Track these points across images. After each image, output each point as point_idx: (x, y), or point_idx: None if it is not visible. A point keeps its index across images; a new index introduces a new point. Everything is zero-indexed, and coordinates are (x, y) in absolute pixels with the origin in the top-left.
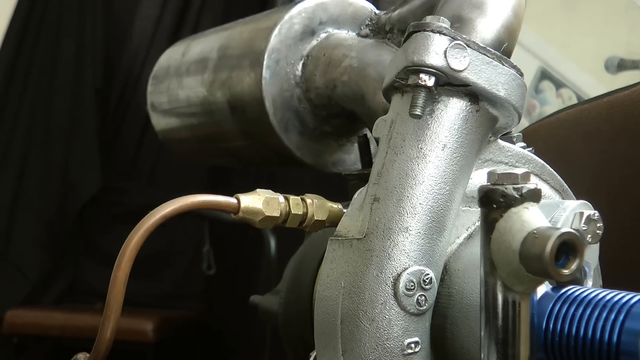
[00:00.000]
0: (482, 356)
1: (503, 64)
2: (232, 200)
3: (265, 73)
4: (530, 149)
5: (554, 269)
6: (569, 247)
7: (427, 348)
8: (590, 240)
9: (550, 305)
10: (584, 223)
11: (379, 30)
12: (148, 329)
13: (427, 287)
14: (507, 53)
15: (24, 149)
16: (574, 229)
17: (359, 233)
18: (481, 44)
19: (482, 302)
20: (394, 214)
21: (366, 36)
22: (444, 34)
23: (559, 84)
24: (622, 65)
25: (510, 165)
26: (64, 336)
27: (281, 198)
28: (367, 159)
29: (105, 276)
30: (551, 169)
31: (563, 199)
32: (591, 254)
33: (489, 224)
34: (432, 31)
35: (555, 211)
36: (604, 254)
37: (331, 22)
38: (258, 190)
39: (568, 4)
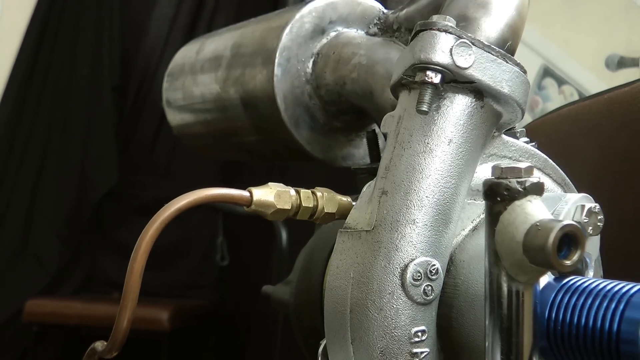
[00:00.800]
0: (486, 344)
1: (507, 62)
2: (244, 193)
3: (277, 70)
4: (533, 143)
5: (556, 260)
6: (570, 238)
7: (433, 336)
8: (591, 232)
9: (553, 295)
10: (585, 215)
11: (386, 29)
12: (163, 318)
13: (433, 277)
14: (511, 51)
15: (43, 144)
16: (575, 221)
17: (367, 225)
18: (486, 43)
19: (487, 292)
20: (402, 206)
21: (374, 35)
22: (449, 33)
23: (561, 81)
24: (622, 62)
25: (513, 160)
26: (82, 325)
27: (292, 191)
28: (375, 154)
29: (122, 267)
30: (553, 163)
31: (565, 192)
32: (592, 246)
33: (493, 217)
34: (439, 30)
35: (557, 204)
36: (604, 246)
37: (341, 21)
38: (270, 183)
39: (569, 3)
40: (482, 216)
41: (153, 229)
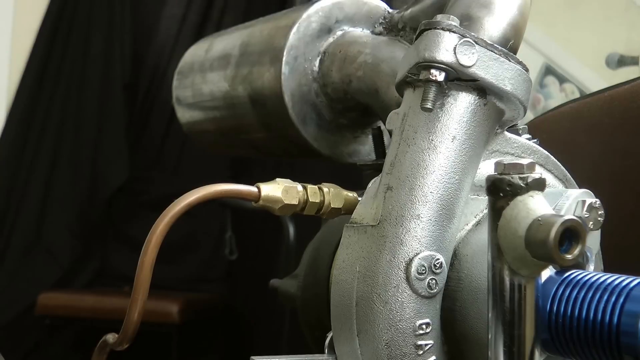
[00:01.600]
0: (489, 336)
1: (509, 60)
2: (252, 189)
3: (285, 69)
4: (535, 140)
5: (558, 254)
6: (571, 233)
7: (437, 329)
8: (592, 227)
9: (554, 289)
10: (586, 211)
11: (392, 28)
12: (173, 311)
13: (437, 271)
14: (514, 50)
15: (56, 141)
16: (576, 216)
17: (373, 220)
18: (489, 41)
19: (490, 285)
20: (406, 202)
21: (380, 34)
22: (453, 32)
23: (562, 79)
24: (622, 61)
25: (516, 156)
26: (93, 318)
27: (299, 187)
28: (380, 150)
29: (133, 261)
30: (555, 160)
31: (566, 187)
32: (593, 240)
33: (496, 212)
34: (443, 29)
35: (558, 199)
36: (605, 240)
37: (347, 20)
38: (277, 179)
39: (571, 3)
40: (485, 211)
41: (163, 224)
